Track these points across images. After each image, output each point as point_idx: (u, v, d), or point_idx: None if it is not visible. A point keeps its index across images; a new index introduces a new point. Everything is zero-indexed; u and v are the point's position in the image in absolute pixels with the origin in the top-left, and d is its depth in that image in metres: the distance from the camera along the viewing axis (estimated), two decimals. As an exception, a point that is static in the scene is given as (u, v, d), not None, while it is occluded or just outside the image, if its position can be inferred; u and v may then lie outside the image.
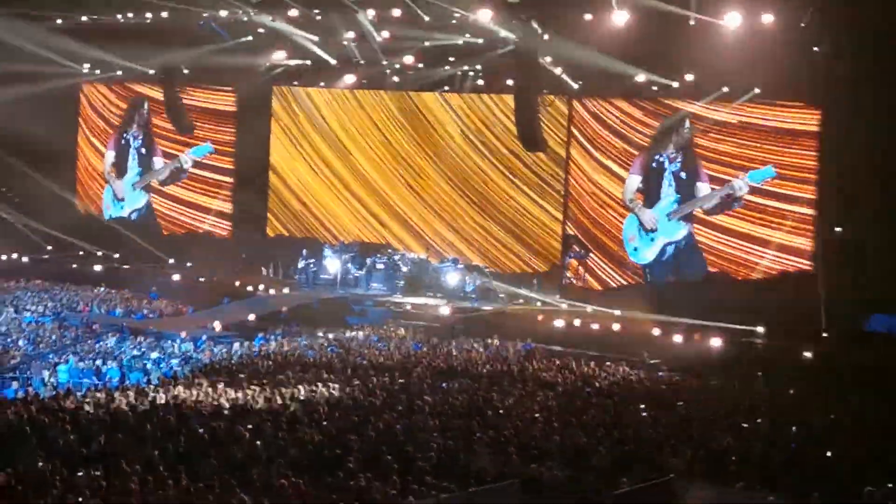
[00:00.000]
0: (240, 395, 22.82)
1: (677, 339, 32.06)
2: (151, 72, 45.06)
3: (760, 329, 32.47)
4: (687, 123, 36.97)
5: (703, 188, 36.53)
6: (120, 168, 49.82)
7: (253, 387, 23.54)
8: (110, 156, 50.00)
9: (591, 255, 38.84)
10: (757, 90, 34.90)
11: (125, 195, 49.69)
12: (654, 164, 37.68)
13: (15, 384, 25.77)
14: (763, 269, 35.36)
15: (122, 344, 31.33)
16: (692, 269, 36.86)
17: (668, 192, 37.42)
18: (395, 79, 42.28)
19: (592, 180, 39.03)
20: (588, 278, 38.93)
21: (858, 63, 31.70)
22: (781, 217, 35.05)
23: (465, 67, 40.32)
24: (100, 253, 46.57)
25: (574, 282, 38.95)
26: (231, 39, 40.82)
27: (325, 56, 40.93)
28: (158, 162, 48.77)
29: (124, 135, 49.50)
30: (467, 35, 37.42)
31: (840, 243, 33.23)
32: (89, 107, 50.62)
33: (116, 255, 46.35)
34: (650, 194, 37.84)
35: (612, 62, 34.97)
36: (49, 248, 47.34)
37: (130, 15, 41.22)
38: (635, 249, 38.12)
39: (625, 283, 38.22)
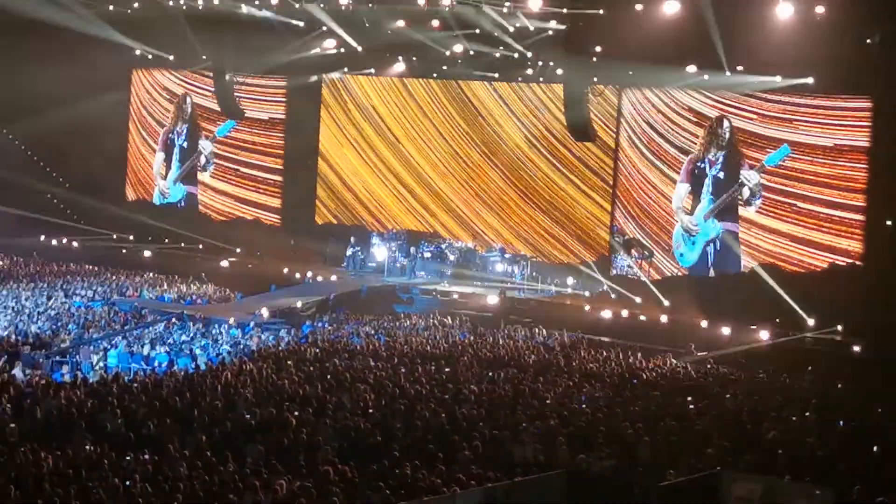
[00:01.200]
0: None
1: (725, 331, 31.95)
2: (203, 57, 45.23)
3: (811, 321, 32.23)
4: (726, 123, 36.73)
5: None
6: (168, 168, 49.98)
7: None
8: (160, 157, 50.09)
9: (654, 256, 38.56)
10: (810, 79, 34.48)
11: (169, 191, 50.01)
12: (696, 171, 37.57)
13: (65, 368, 25.98)
14: (810, 266, 35.11)
15: (178, 330, 31.49)
16: (728, 266, 36.76)
17: (706, 194, 37.34)
18: (445, 67, 42.10)
19: (641, 172, 38.86)
20: (652, 272, 38.64)
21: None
22: (829, 221, 34.78)
23: (516, 55, 40.05)
24: (150, 238, 46.92)
25: (639, 277, 38.52)
26: (276, 22, 40.71)
27: (376, 42, 40.88)
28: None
29: (170, 134, 49.74)
30: (518, 23, 37.25)
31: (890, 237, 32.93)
32: (139, 102, 50.84)
33: (166, 241, 46.62)
34: (694, 200, 37.79)
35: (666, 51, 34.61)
36: (101, 232, 47.74)
37: (182, 1, 41.44)
38: (681, 255, 37.96)
39: (679, 274, 38.07)
